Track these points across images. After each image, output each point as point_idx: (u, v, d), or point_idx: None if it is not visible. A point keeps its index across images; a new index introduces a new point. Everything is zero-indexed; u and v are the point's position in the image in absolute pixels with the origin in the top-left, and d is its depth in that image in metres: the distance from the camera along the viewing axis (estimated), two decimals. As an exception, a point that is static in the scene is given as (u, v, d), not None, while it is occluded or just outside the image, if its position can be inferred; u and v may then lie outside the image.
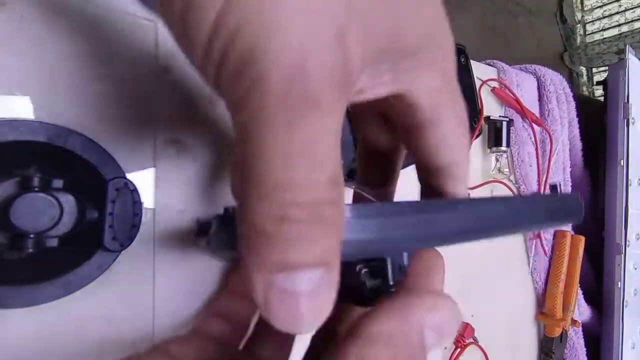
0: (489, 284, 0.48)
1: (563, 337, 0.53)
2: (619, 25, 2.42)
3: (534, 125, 0.51)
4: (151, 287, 0.25)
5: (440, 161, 0.19)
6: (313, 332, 0.19)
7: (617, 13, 2.43)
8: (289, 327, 0.12)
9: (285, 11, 0.11)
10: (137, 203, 0.23)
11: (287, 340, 0.22)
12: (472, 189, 0.44)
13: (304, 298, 0.12)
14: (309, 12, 0.11)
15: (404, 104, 0.17)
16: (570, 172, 0.56)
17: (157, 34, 0.26)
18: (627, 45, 0.56)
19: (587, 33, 2.51)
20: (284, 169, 0.11)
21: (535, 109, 0.54)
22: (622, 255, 0.54)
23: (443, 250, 0.17)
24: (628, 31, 2.35)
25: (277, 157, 0.11)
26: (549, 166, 0.52)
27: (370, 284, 0.16)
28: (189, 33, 0.12)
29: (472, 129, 0.42)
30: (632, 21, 2.38)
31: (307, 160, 0.12)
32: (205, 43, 0.11)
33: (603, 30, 2.47)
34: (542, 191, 0.51)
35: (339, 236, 0.13)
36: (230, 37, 0.11)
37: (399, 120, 0.19)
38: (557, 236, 0.53)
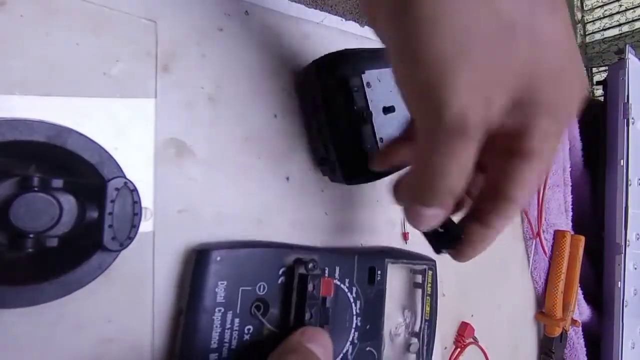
0: (489, 284, 0.48)
1: (563, 337, 0.53)
2: (620, 25, 2.42)
3: (534, 125, 0.51)
4: (151, 287, 0.25)
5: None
6: None
7: (617, 13, 2.43)
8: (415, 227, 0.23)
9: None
10: (136, 203, 0.23)
11: None
12: (472, 188, 0.44)
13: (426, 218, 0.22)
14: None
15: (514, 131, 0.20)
16: (570, 172, 0.56)
17: (157, 33, 0.26)
18: (627, 45, 0.56)
19: (587, 33, 2.51)
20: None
21: (535, 109, 0.54)
22: (622, 255, 0.54)
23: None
24: (628, 31, 2.35)
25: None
26: (549, 166, 0.52)
27: None
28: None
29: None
30: (633, 21, 2.38)
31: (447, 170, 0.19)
32: None
33: (603, 30, 2.46)
34: (541, 194, 0.51)
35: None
36: None
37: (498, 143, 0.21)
38: (557, 236, 0.53)
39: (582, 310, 0.56)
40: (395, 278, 0.36)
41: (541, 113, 0.19)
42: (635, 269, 0.56)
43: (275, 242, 0.29)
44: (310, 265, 0.27)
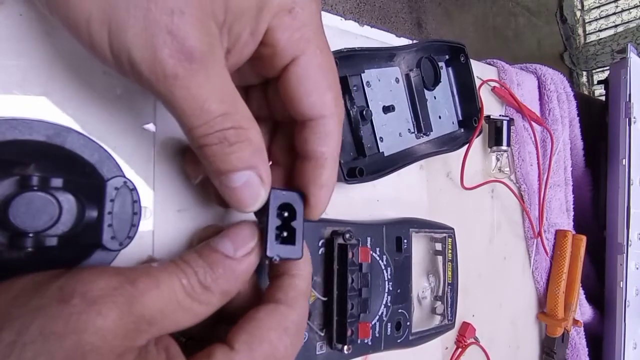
0: (490, 284, 0.48)
1: (565, 337, 0.52)
2: (616, 26, 2.42)
3: (534, 124, 0.51)
4: (151, 287, 0.25)
5: (303, 109, 0.20)
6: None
7: (614, 14, 2.43)
8: (239, 209, 0.20)
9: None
10: (136, 202, 0.22)
11: None
12: (472, 188, 0.44)
13: (239, 190, 0.19)
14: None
15: (268, 48, 0.20)
16: (571, 171, 0.56)
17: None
18: (629, 44, 0.55)
19: (586, 33, 2.51)
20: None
21: (535, 108, 0.54)
22: (624, 255, 0.54)
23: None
24: (622, 31, 2.35)
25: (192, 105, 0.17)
26: (549, 165, 0.52)
27: None
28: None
29: (473, 128, 0.42)
30: (628, 22, 2.38)
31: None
32: None
33: (600, 31, 2.47)
34: (542, 193, 0.51)
35: (254, 147, 0.19)
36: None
37: (268, 72, 0.21)
38: (559, 236, 0.53)
39: (583, 311, 0.56)
40: (418, 246, 0.39)
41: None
42: (637, 268, 0.56)
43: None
44: (347, 235, 0.29)
